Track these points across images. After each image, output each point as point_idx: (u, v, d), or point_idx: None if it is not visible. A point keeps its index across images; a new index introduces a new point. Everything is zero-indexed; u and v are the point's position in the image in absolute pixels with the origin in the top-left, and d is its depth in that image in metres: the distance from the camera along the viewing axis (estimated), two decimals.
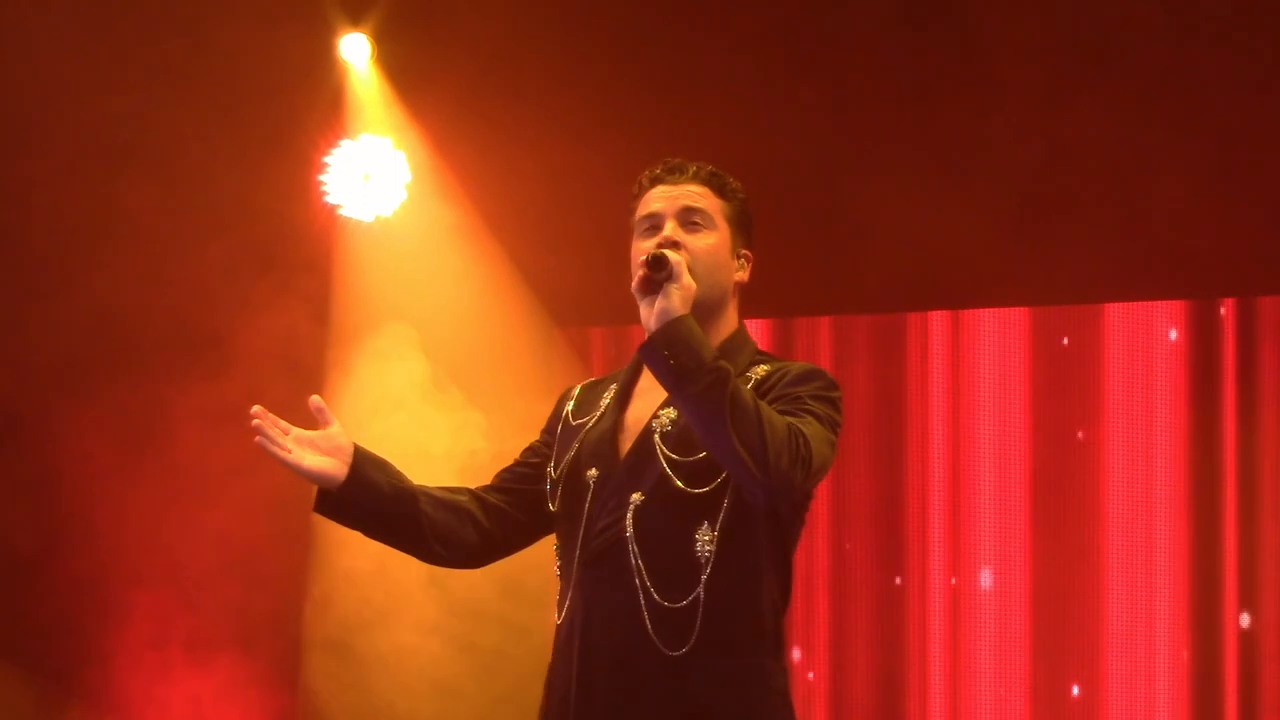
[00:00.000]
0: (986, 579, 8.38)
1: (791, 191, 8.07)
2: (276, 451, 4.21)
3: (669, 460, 4.09)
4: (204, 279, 8.28)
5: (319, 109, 8.43)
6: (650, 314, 3.96)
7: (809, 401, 4.08)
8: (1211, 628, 8.13)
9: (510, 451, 4.46)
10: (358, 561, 8.22)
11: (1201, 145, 7.87)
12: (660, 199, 4.22)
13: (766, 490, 3.95)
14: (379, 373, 8.45)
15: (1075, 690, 8.27)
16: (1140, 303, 8.28)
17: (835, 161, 8.06)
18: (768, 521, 4.11)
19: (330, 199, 8.51)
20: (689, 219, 4.20)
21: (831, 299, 8.50)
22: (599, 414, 4.26)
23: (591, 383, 4.39)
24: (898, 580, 8.48)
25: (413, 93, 8.44)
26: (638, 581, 4.06)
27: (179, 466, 8.32)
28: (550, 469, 4.27)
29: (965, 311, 8.47)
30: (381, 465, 4.24)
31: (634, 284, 4.01)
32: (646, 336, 3.98)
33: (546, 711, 4.19)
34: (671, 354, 3.91)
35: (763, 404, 3.96)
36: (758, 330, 8.42)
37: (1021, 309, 8.42)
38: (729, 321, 4.24)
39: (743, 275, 4.27)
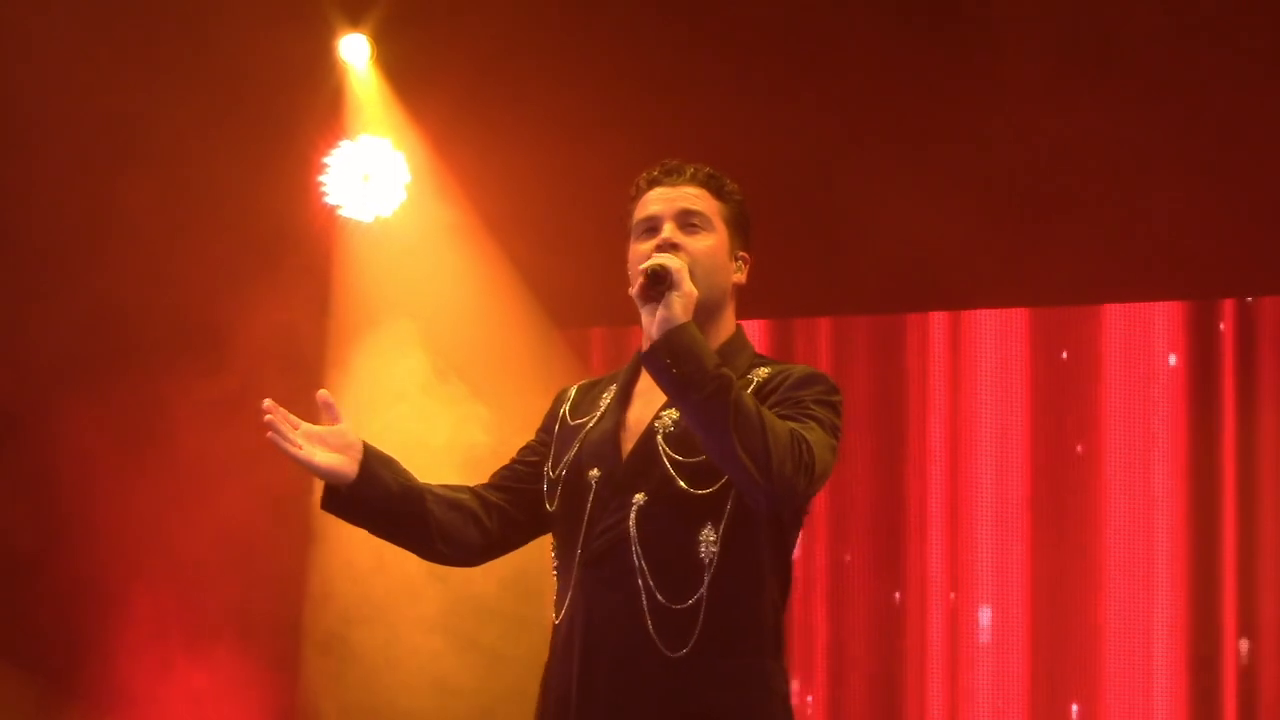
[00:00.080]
0: (985, 600, 8.38)
1: (790, 192, 8.07)
2: (287, 447, 4.18)
3: (672, 461, 4.09)
4: (204, 278, 8.29)
5: (318, 110, 8.43)
6: (652, 322, 3.96)
7: (811, 406, 4.08)
8: (1211, 652, 8.13)
9: (510, 447, 4.46)
10: (357, 556, 8.22)
11: (1201, 145, 7.87)
12: (658, 201, 4.22)
13: (770, 497, 3.96)
14: (379, 367, 8.45)
15: (1074, 709, 8.27)
16: (1140, 318, 8.28)
17: (834, 162, 8.06)
18: (769, 523, 4.11)
19: (330, 199, 8.51)
20: (687, 221, 4.20)
21: (830, 300, 8.50)
22: (599, 414, 4.25)
23: (588, 384, 4.39)
24: (896, 596, 8.47)
25: (412, 93, 8.45)
26: (640, 582, 4.06)
27: (179, 463, 8.33)
28: (548, 469, 4.27)
29: (964, 315, 8.46)
30: (389, 463, 4.23)
31: (634, 291, 4.01)
32: (648, 344, 3.98)
33: (544, 711, 4.19)
34: (674, 362, 3.91)
35: (766, 411, 3.96)
36: (757, 331, 8.43)
37: (1021, 313, 8.42)
38: (727, 324, 4.24)
39: (740, 277, 4.27)
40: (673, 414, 4.12)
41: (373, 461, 4.19)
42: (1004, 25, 7.91)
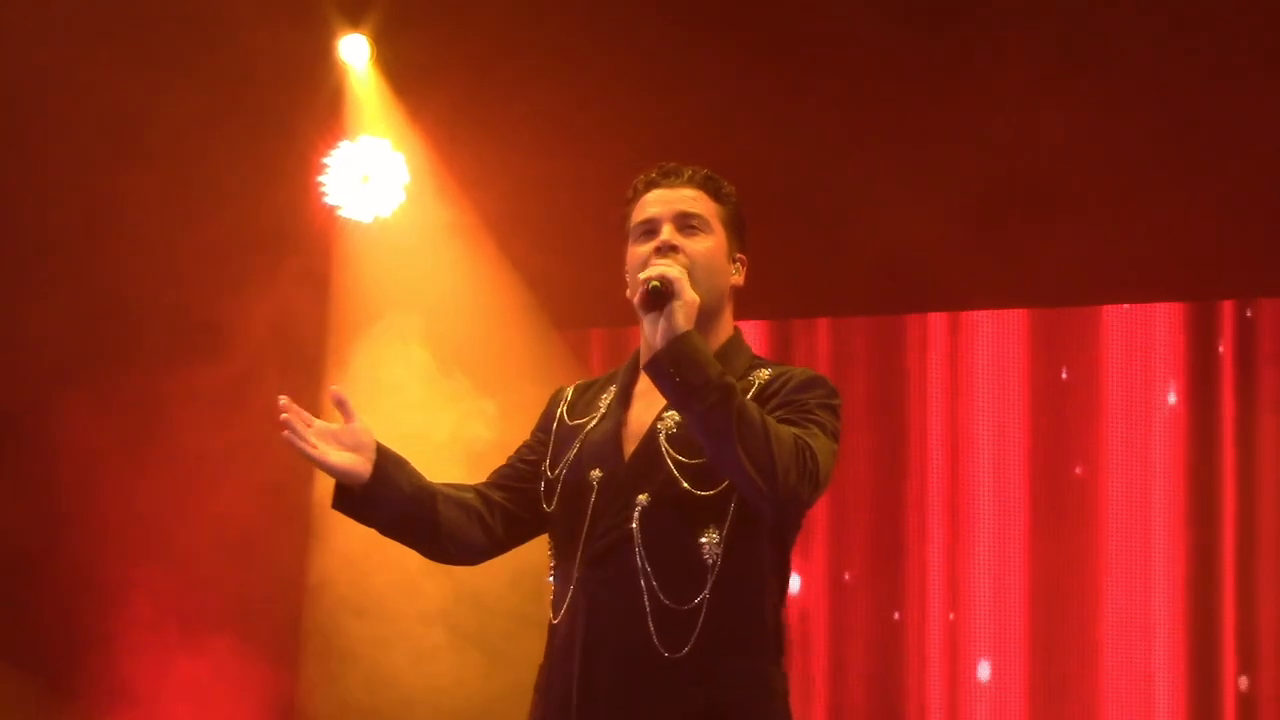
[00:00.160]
0: (985, 619, 8.37)
1: (790, 193, 8.07)
2: (302, 446, 4.15)
3: (675, 463, 4.10)
4: (203, 275, 8.29)
5: (318, 110, 8.44)
6: (654, 331, 3.97)
7: (814, 410, 4.10)
8: (1210, 687, 8.13)
9: (511, 444, 4.46)
10: (356, 551, 8.22)
11: (1201, 146, 7.87)
12: (656, 203, 4.22)
13: (774, 505, 3.99)
14: (379, 363, 8.46)
15: None
16: (1140, 321, 8.27)
17: (833, 162, 8.06)
18: (770, 525, 4.12)
19: (329, 200, 8.52)
20: (686, 223, 4.20)
21: (828, 301, 8.50)
22: (599, 415, 4.26)
23: (584, 384, 4.39)
24: (896, 616, 8.47)
25: (412, 94, 8.45)
26: (643, 583, 4.07)
27: (178, 458, 8.35)
28: (545, 468, 4.28)
29: (963, 316, 8.46)
30: (401, 463, 4.21)
31: (635, 299, 4.02)
32: (650, 352, 4.00)
33: (543, 712, 4.18)
34: (678, 371, 3.93)
35: (769, 418, 3.97)
36: (755, 332, 8.43)
37: (1020, 314, 8.41)
38: (725, 326, 4.25)
39: (738, 279, 4.28)
40: (675, 416, 4.12)
41: (386, 462, 4.17)
42: (1002, 26, 7.91)
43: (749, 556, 4.10)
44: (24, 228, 8.38)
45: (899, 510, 8.48)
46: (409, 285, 8.55)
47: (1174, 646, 8.16)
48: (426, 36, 8.32)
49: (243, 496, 8.27)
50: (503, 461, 4.42)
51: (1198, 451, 8.19)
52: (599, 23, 8.15)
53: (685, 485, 4.08)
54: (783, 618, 4.20)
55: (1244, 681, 8.08)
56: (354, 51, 8.45)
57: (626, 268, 4.25)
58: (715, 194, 4.26)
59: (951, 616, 8.39)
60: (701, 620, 4.05)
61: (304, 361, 8.37)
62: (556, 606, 4.19)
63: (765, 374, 4.19)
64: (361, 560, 8.29)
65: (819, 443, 4.02)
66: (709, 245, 4.21)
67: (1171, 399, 8.23)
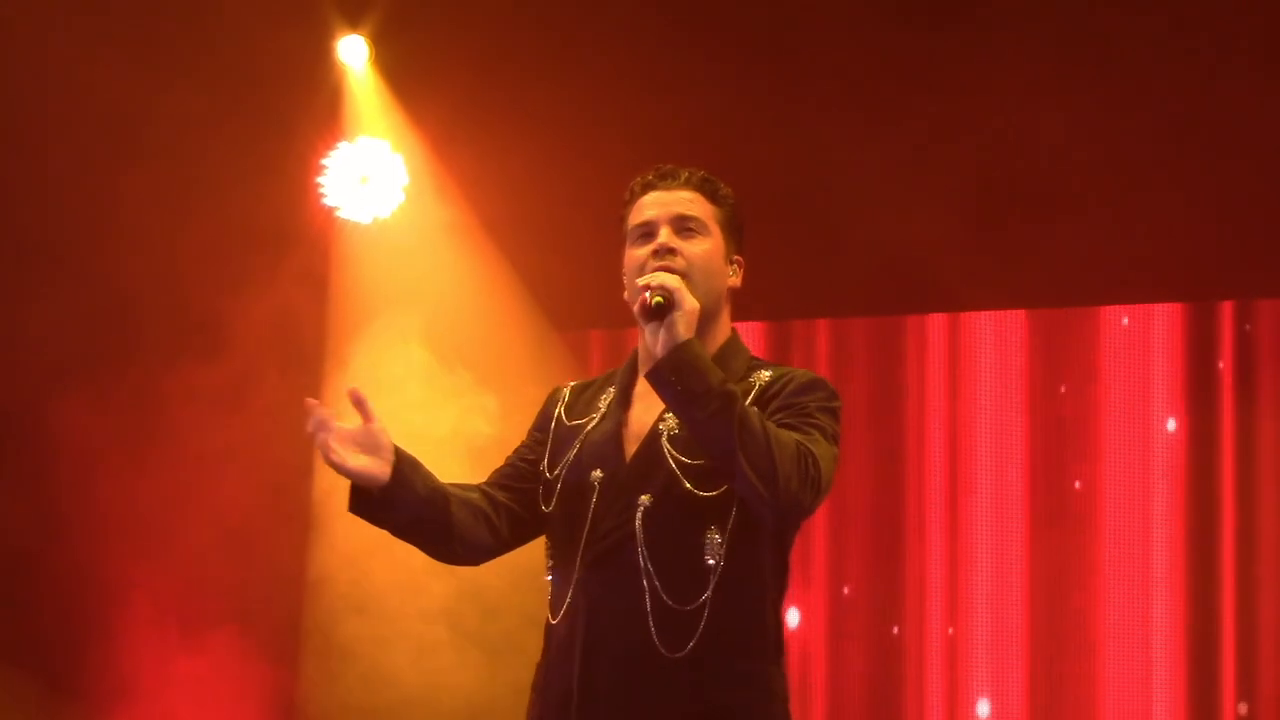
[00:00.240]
0: (984, 636, 8.36)
1: (789, 194, 8.07)
2: (328, 453, 4.08)
3: (678, 464, 4.10)
4: (203, 273, 8.29)
5: (317, 111, 8.44)
6: (655, 339, 3.98)
7: (815, 414, 4.11)
8: (1210, 705, 8.13)
9: (511, 443, 4.45)
10: (356, 544, 8.23)
11: (1201, 147, 7.87)
12: (654, 205, 4.22)
13: (775, 511, 4.00)
14: (379, 359, 8.46)
15: None
16: (1139, 324, 8.27)
17: (832, 163, 8.06)
18: (771, 528, 4.13)
19: (328, 201, 8.51)
20: (684, 226, 4.20)
21: (827, 302, 8.50)
22: (599, 416, 4.26)
23: (580, 385, 4.39)
24: (895, 630, 8.46)
25: (410, 95, 8.45)
26: (645, 583, 4.07)
27: (178, 456, 8.36)
28: (544, 469, 4.28)
29: (963, 322, 8.45)
30: (416, 465, 4.18)
31: (636, 308, 4.03)
32: (649, 359, 4.01)
33: (541, 712, 4.18)
34: (679, 380, 3.94)
35: (770, 425, 3.98)
36: (754, 333, 8.43)
37: (1020, 319, 8.41)
38: (723, 327, 4.25)
39: (735, 281, 4.28)
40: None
41: (403, 464, 4.14)
42: (1002, 26, 7.91)
43: (751, 557, 4.10)
44: (24, 227, 8.38)
45: (898, 523, 8.47)
46: (408, 286, 8.55)
47: (1174, 662, 8.15)
48: (425, 38, 8.32)
49: (243, 494, 8.28)
50: (503, 458, 4.41)
51: (1198, 463, 8.18)
52: (598, 23, 8.15)
53: (688, 486, 4.08)
54: (782, 619, 4.20)
55: (1244, 708, 8.07)
56: (353, 52, 8.45)
57: (624, 270, 4.25)
58: (712, 196, 4.26)
59: (950, 631, 8.38)
60: (703, 621, 4.05)
61: (303, 361, 8.37)
62: (555, 607, 4.19)
63: (765, 376, 4.19)
64: (362, 558, 8.29)
65: (821, 448, 4.03)
66: (706, 247, 4.21)
67: (1171, 424, 8.23)
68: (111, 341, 8.42)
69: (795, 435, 4.02)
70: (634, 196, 4.26)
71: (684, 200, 4.22)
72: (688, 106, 8.07)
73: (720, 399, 3.92)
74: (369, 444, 4.10)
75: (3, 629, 8.50)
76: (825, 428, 4.09)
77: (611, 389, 4.29)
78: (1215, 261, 8.02)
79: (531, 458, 4.33)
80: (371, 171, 8.49)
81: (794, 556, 4.26)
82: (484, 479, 4.37)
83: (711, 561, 4.07)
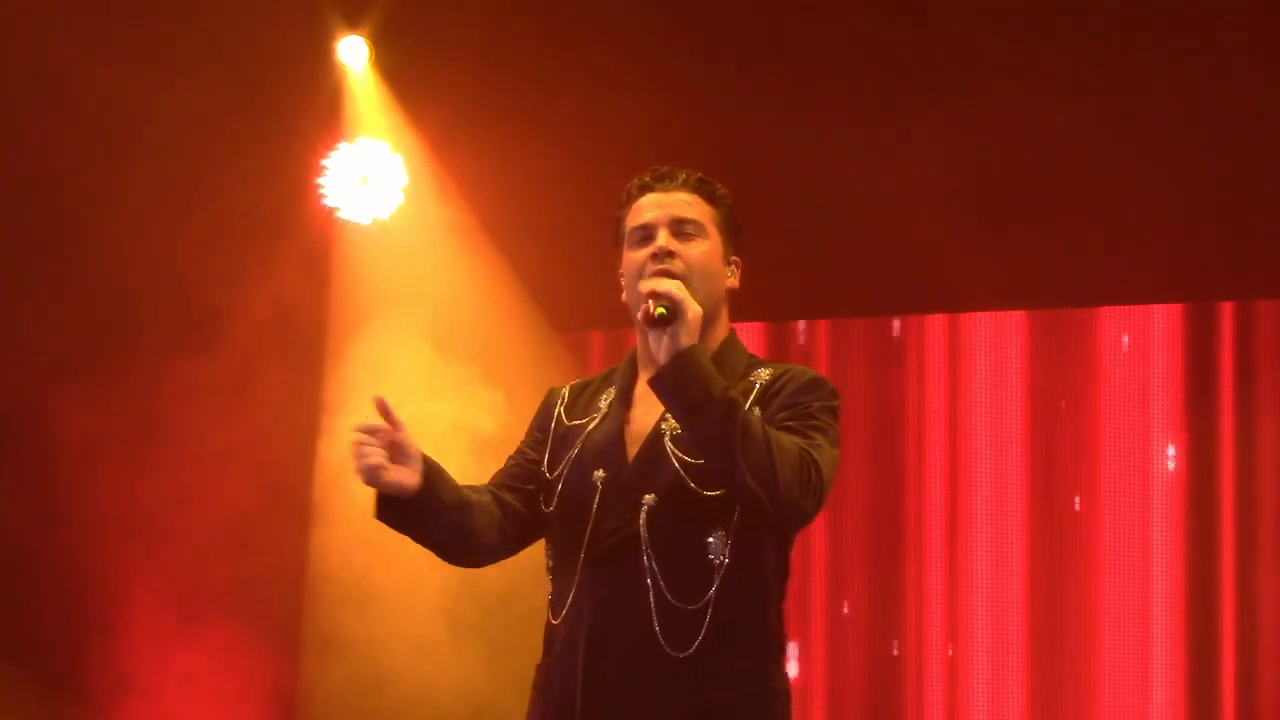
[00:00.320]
0: (983, 653, 8.36)
1: (789, 194, 8.07)
2: (372, 464, 4.05)
3: (682, 463, 4.10)
4: (203, 270, 8.29)
5: (317, 112, 8.44)
6: (658, 346, 3.98)
7: (817, 415, 4.12)
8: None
9: (512, 437, 4.46)
10: (357, 539, 8.23)
11: (1201, 147, 7.86)
12: (651, 208, 4.22)
13: (775, 517, 4.02)
14: (380, 353, 8.46)
15: None
16: (1138, 327, 8.26)
17: (832, 163, 8.06)
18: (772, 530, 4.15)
19: (328, 202, 8.51)
20: (681, 229, 4.20)
21: (826, 302, 8.50)
22: (599, 416, 4.26)
23: (579, 384, 4.39)
24: (895, 650, 8.46)
25: (410, 96, 8.45)
26: (649, 582, 4.07)
27: (178, 450, 8.37)
28: (544, 469, 4.28)
29: (963, 325, 8.44)
30: (441, 472, 4.17)
31: (639, 315, 4.03)
32: (654, 365, 4.01)
33: (545, 712, 4.18)
34: (681, 387, 3.95)
35: (773, 432, 3.99)
36: (754, 334, 8.42)
37: (1019, 317, 8.40)
38: (721, 328, 4.25)
39: (733, 282, 4.29)
40: None
41: (430, 472, 4.12)
42: (1003, 27, 7.91)
43: (754, 556, 4.11)
44: (23, 227, 8.39)
45: (898, 543, 8.46)
46: (408, 286, 8.55)
47: (1173, 692, 8.14)
48: (425, 38, 8.32)
49: (243, 492, 8.29)
50: (503, 455, 4.41)
51: (1197, 474, 8.18)
52: (598, 24, 8.15)
53: (692, 486, 4.09)
54: (783, 618, 4.21)
55: None
56: (353, 53, 8.44)
57: (621, 271, 4.26)
58: (709, 197, 4.26)
59: (950, 651, 8.37)
60: (708, 619, 4.06)
61: (303, 358, 8.38)
62: (556, 607, 4.19)
63: (765, 374, 4.20)
64: (362, 554, 8.30)
65: (823, 453, 4.05)
66: (705, 250, 4.21)
67: (1171, 456, 8.22)
68: (112, 339, 8.44)
69: (798, 440, 4.03)
70: (631, 198, 4.26)
71: (682, 202, 4.23)
72: (687, 107, 8.07)
73: (723, 406, 3.93)
74: (398, 453, 4.08)
75: (3, 628, 8.51)
76: (827, 429, 4.11)
77: (612, 389, 4.29)
78: (1215, 261, 8.02)
79: (534, 457, 4.32)
80: (371, 172, 8.49)
81: (793, 578, 4.26)
82: (484, 478, 4.37)
83: (716, 560, 4.08)
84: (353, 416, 8.14)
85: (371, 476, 4.04)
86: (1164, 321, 8.28)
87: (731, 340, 4.26)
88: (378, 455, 4.04)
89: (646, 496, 4.11)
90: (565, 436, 4.27)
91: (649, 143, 7.69)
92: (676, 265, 4.15)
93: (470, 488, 4.25)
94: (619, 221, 4.28)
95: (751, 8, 8.16)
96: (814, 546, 8.45)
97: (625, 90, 8.10)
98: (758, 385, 4.17)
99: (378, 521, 4.17)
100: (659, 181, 4.25)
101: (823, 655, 8.48)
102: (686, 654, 4.05)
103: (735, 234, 4.29)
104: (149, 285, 8.33)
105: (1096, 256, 8.09)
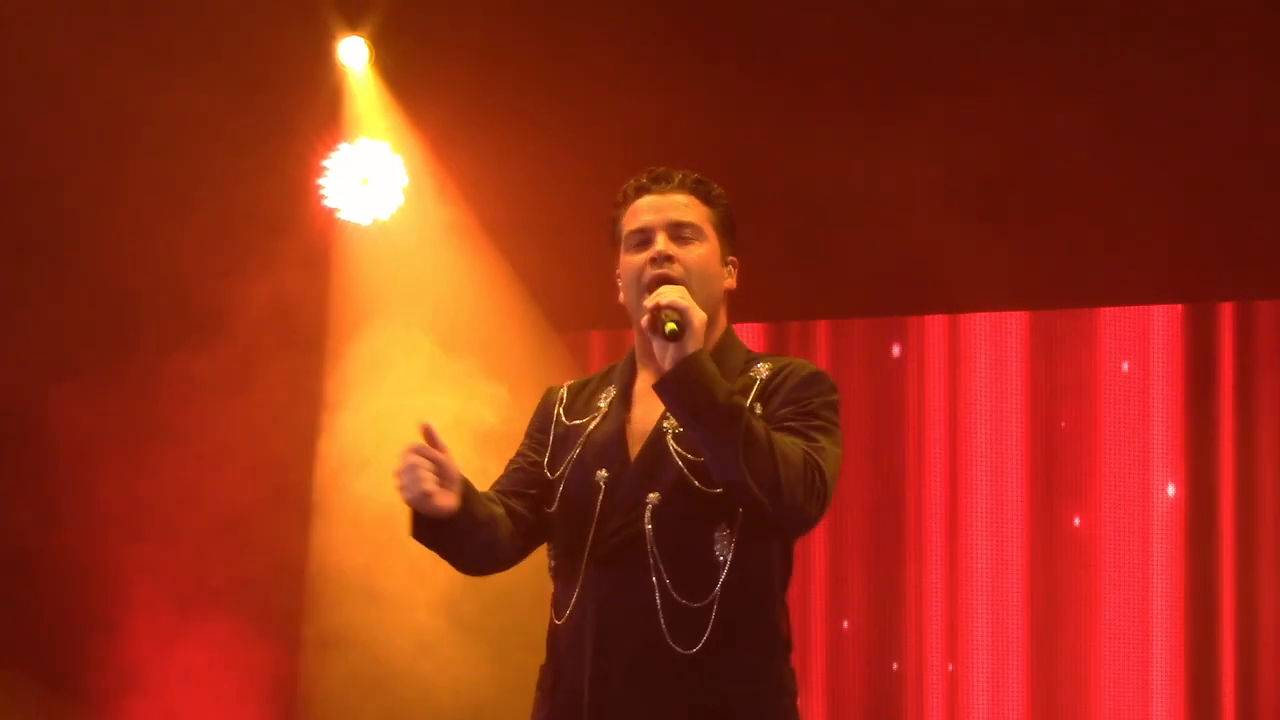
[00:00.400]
0: (983, 670, 8.35)
1: (788, 195, 8.07)
2: (425, 488, 4.03)
3: (685, 461, 4.11)
4: (203, 268, 8.29)
5: (317, 112, 8.44)
6: (663, 353, 3.99)
7: (819, 412, 4.13)
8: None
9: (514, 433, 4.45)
10: (358, 532, 8.23)
11: (1201, 148, 7.86)
12: (649, 211, 4.23)
13: (778, 520, 4.04)
14: (378, 356, 8.46)
15: None
16: (1137, 328, 8.26)
17: (832, 163, 8.06)
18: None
19: (329, 202, 8.51)
20: (680, 233, 4.21)
21: (826, 302, 8.50)
22: (600, 415, 4.26)
23: (578, 384, 4.39)
24: (895, 666, 8.45)
25: (410, 97, 8.44)
26: (655, 580, 4.08)
27: (177, 446, 8.37)
28: (545, 470, 4.28)
29: (963, 326, 8.44)
30: (474, 491, 4.16)
31: (644, 322, 4.03)
32: (658, 370, 4.02)
33: (551, 713, 4.18)
34: (687, 394, 3.96)
35: (777, 437, 4.00)
36: (754, 334, 8.42)
37: (1020, 318, 8.40)
38: (719, 326, 4.25)
39: (731, 282, 4.30)
40: None
41: (468, 495, 4.12)
42: (1003, 27, 7.91)
43: (759, 553, 4.12)
44: (23, 227, 8.40)
45: (898, 558, 8.45)
46: (408, 287, 8.55)
47: (1174, 704, 8.14)
48: (425, 39, 8.32)
49: (244, 487, 8.30)
50: (502, 451, 4.41)
51: (1196, 508, 8.18)
52: (597, 24, 8.15)
53: (696, 483, 4.10)
54: (789, 614, 4.22)
55: None
56: (353, 54, 8.44)
57: (618, 273, 4.26)
58: (706, 198, 4.26)
59: (950, 668, 8.36)
60: (714, 616, 4.07)
61: (303, 356, 8.39)
62: (560, 608, 4.20)
63: (764, 369, 4.21)
64: (363, 550, 8.30)
65: (827, 457, 4.07)
66: (703, 253, 4.22)
67: (1171, 490, 8.21)
68: (111, 338, 8.44)
69: (800, 443, 4.04)
70: (627, 199, 4.27)
71: (679, 205, 4.23)
72: (687, 107, 8.07)
73: (727, 412, 3.95)
74: (442, 475, 4.06)
75: (2, 628, 8.51)
76: (829, 428, 4.12)
77: (611, 388, 4.30)
78: (1215, 261, 8.02)
79: (535, 459, 4.32)
80: (371, 173, 8.49)
81: (792, 593, 4.28)
82: (486, 472, 4.36)
83: (720, 557, 4.09)
84: (353, 413, 8.17)
85: (420, 502, 4.03)
86: (1164, 322, 8.27)
87: (729, 337, 4.27)
88: (430, 481, 4.02)
89: (650, 495, 4.12)
90: (565, 437, 4.28)
91: (649, 143, 7.69)
92: (675, 270, 4.16)
93: (488, 496, 4.24)
94: (615, 222, 4.28)
95: (751, 8, 8.16)
96: (814, 558, 8.44)
97: (625, 90, 8.09)
98: (758, 381, 4.18)
99: (428, 545, 4.16)
100: (656, 183, 4.25)
101: (822, 671, 8.47)
102: (693, 651, 4.06)
103: (732, 233, 4.29)
104: (149, 284, 8.33)
105: (1096, 256, 8.09)
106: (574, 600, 4.15)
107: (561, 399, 4.35)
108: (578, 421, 4.29)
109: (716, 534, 4.09)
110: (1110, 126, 7.94)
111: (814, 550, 8.43)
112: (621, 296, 4.26)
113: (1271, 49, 7.76)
